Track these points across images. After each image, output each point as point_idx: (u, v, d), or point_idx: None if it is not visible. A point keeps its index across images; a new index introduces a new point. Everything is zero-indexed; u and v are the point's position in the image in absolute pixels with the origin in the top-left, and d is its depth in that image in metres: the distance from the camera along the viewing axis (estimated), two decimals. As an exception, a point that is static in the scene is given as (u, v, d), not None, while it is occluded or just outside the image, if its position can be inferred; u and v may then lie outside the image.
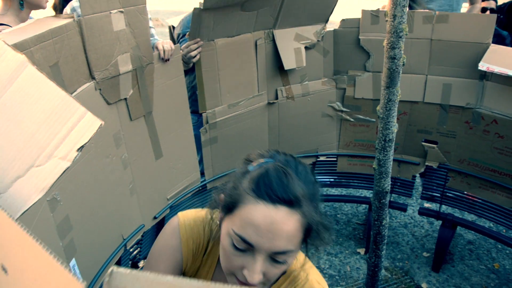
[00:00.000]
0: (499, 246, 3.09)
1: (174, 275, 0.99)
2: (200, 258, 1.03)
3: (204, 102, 2.27)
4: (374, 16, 2.51)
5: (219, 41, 2.22)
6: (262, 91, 2.47)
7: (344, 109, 2.68)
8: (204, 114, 2.29)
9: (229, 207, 0.85)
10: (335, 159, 2.88)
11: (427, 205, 3.33)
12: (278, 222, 0.79)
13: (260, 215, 0.79)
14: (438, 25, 2.43)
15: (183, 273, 1.04)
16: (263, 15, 2.26)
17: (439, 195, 2.83)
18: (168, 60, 1.93)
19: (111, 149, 1.77)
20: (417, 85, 2.54)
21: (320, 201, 0.88)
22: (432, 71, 2.51)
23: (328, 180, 3.08)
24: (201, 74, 2.22)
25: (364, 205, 3.44)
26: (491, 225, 3.14)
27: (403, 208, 3.00)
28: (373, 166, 1.50)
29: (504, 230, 3.11)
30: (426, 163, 2.68)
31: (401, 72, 1.30)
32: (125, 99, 1.82)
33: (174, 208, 2.31)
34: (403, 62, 1.28)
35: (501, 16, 4.29)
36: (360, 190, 3.32)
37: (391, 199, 2.96)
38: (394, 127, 1.39)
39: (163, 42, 1.93)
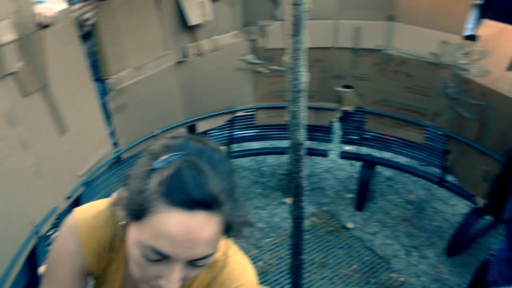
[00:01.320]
0: (414, 179, 3.27)
1: (76, 280, 0.90)
2: (106, 256, 0.91)
3: (107, 68, 2.10)
4: (278, -39, 2.42)
5: (116, -1, 2.03)
6: (169, 50, 2.32)
7: (257, 61, 2.61)
8: (108, 81, 2.12)
9: (136, 215, 0.72)
10: (253, 112, 2.83)
11: (347, 148, 3.42)
12: (196, 230, 0.69)
13: (175, 224, 0.68)
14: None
15: (90, 274, 0.93)
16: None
17: (357, 137, 2.91)
18: (47, 26, 1.72)
19: (5, 131, 1.58)
20: (328, 30, 2.51)
21: (238, 191, 0.77)
22: (342, 15, 2.49)
23: (249, 134, 3.05)
24: (100, 37, 2.03)
25: (287, 155, 3.46)
26: (407, 160, 3.30)
27: (323, 154, 3.05)
28: (285, 118, 1.47)
29: (416, 163, 3.28)
30: (343, 108, 2.72)
31: (306, 18, 1.25)
32: (14, 73, 1.62)
33: (90, 184, 2.16)
34: (308, 7, 1.22)
35: None
36: (282, 140, 3.32)
37: (312, 146, 3.00)
38: (304, 77, 1.34)
39: (42, 6, 1.71)
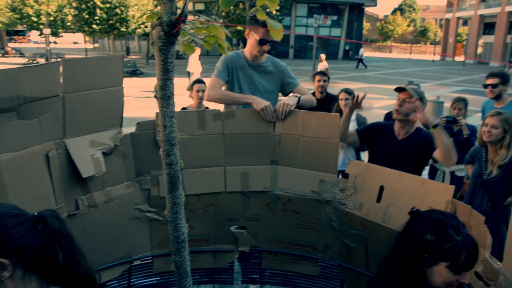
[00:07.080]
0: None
1: None
2: None
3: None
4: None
5: (2, 157, 2.04)
6: (61, 204, 2.31)
7: (152, 209, 2.66)
8: None
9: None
10: (150, 260, 2.79)
11: (252, 287, 3.42)
12: None
13: None
14: (227, 120, 2.65)
15: None
16: (47, 122, 2.16)
17: (258, 276, 2.94)
18: None
19: None
20: (217, 176, 2.68)
21: None
22: (229, 162, 2.69)
23: (150, 282, 2.95)
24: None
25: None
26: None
27: (227, 297, 3.02)
28: (172, 268, 1.50)
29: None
30: (239, 249, 2.78)
31: (180, 176, 1.36)
32: None
33: None
34: (181, 166, 1.35)
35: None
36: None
37: (215, 290, 2.97)
38: (184, 228, 1.42)
39: None
